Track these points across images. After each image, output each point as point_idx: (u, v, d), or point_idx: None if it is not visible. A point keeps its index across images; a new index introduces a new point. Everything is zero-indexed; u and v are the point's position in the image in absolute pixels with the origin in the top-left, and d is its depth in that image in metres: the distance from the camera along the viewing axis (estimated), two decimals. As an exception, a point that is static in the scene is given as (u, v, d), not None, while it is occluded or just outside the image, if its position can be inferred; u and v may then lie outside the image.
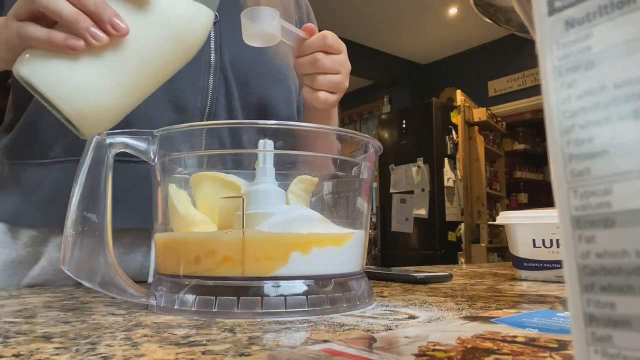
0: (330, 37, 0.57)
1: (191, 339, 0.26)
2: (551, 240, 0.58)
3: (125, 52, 0.40)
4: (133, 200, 0.57)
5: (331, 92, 0.58)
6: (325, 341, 0.26)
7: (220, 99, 0.63)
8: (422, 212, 3.48)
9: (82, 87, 0.39)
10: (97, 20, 0.38)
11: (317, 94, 0.57)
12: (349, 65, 0.60)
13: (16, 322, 0.31)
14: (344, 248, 0.38)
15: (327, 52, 0.57)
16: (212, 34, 0.63)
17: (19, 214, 0.59)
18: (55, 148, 0.59)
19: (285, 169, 0.41)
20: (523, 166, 4.73)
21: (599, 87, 0.11)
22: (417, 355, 0.22)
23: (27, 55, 0.39)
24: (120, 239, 0.60)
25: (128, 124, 0.58)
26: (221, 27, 0.64)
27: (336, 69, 0.57)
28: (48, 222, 0.58)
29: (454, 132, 3.59)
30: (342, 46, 0.59)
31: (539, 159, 4.80)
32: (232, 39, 0.65)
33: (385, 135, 3.82)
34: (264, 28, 0.50)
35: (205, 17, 0.45)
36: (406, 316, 0.33)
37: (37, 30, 0.39)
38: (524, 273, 0.60)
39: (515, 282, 0.58)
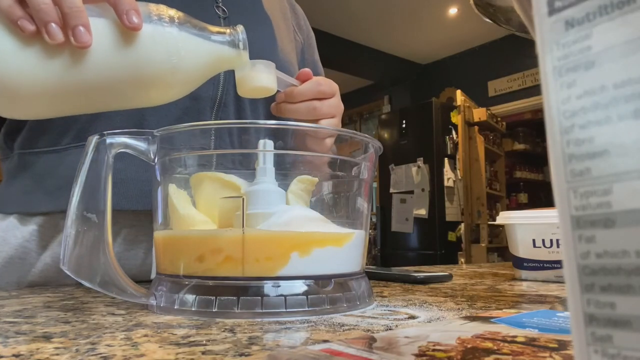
0: (324, 83, 0.58)
1: (191, 339, 0.26)
2: (551, 240, 0.58)
3: (80, 64, 0.40)
4: (142, 181, 0.58)
5: (330, 136, 0.60)
6: (325, 341, 0.26)
7: (230, 89, 0.65)
8: (422, 212, 3.48)
9: (16, 66, 0.39)
10: (65, 22, 0.39)
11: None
12: (342, 107, 0.63)
13: (16, 322, 0.31)
14: (344, 248, 0.38)
15: (321, 99, 0.58)
16: None
17: (30, 200, 0.60)
18: (69, 135, 0.60)
19: (286, 169, 0.41)
20: (523, 166, 4.72)
21: (599, 87, 0.11)
22: (417, 355, 0.22)
23: None
24: (123, 234, 0.60)
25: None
26: (231, 22, 0.65)
27: (332, 113, 0.60)
28: (59, 206, 0.58)
29: (454, 132, 3.59)
30: (335, 89, 0.61)
31: (539, 159, 4.80)
32: None
33: (385, 135, 3.82)
34: (262, 82, 0.50)
35: (186, 74, 0.44)
36: (406, 316, 0.33)
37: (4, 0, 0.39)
38: (524, 273, 0.60)
39: (515, 282, 0.58)
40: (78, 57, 0.40)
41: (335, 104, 0.61)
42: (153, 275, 0.60)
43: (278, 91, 0.56)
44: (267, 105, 0.69)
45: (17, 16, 0.38)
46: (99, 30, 0.40)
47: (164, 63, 0.42)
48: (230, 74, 0.65)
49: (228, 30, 0.46)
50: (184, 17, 0.44)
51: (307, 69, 0.58)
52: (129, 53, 0.41)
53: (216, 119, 0.64)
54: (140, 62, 0.42)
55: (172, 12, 0.43)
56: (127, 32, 0.40)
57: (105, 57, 0.41)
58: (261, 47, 0.68)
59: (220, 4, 0.66)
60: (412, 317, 0.33)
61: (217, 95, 0.64)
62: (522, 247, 0.60)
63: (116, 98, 0.44)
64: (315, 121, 0.59)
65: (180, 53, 0.43)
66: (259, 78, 0.50)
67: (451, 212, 3.51)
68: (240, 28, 0.47)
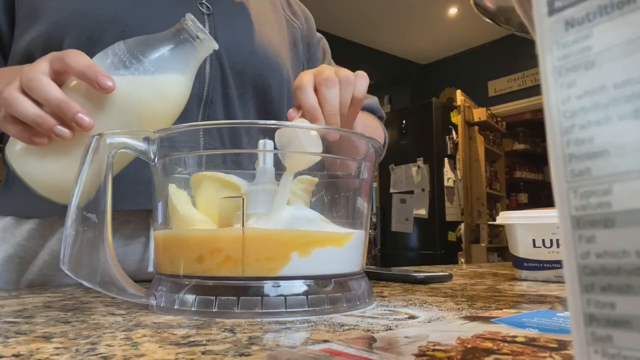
0: (317, 73, 0.51)
1: (191, 339, 0.26)
2: (551, 240, 0.58)
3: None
4: (136, 181, 0.58)
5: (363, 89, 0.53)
6: (325, 341, 0.26)
7: (217, 86, 0.65)
8: (422, 212, 3.48)
9: (51, 171, 0.44)
10: (63, 117, 0.42)
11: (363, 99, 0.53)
12: (347, 72, 0.54)
13: (16, 322, 0.31)
14: (344, 248, 0.38)
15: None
16: (207, 25, 0.64)
17: (25, 204, 0.60)
18: None
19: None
20: (523, 166, 4.73)
21: (599, 87, 0.11)
22: (417, 355, 0.22)
23: (11, 142, 0.46)
24: (120, 230, 0.60)
25: None
26: (215, 19, 0.65)
27: (348, 79, 0.52)
28: (53, 211, 0.58)
29: (454, 132, 3.59)
30: (328, 69, 0.52)
31: (539, 159, 4.80)
32: (227, 30, 0.66)
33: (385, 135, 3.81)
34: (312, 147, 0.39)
35: (174, 94, 0.46)
36: (406, 316, 0.33)
37: (10, 128, 0.44)
38: (524, 273, 0.60)
39: (515, 282, 0.58)
40: (88, 134, 0.43)
41: (339, 74, 0.51)
42: (150, 269, 0.61)
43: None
44: (258, 101, 0.69)
45: (28, 137, 0.43)
46: (88, 102, 0.43)
47: (153, 101, 0.45)
48: (216, 71, 0.64)
49: (179, 28, 0.46)
50: (141, 46, 0.45)
51: (290, 111, 0.50)
52: (122, 108, 0.44)
53: (204, 116, 0.63)
54: (136, 110, 0.44)
55: (132, 46, 0.45)
56: (108, 95, 0.43)
57: (106, 121, 0.43)
58: (245, 47, 0.68)
59: (203, 1, 0.66)
60: (412, 317, 0.33)
61: (203, 92, 0.63)
62: (522, 247, 0.60)
63: None
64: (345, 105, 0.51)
65: (161, 83, 0.45)
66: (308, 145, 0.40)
67: (451, 212, 3.50)
68: (189, 18, 0.45)
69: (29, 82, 0.42)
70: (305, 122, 0.45)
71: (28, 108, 0.42)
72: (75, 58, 0.42)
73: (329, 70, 0.51)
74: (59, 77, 0.43)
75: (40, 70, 0.43)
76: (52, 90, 0.42)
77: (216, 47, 0.48)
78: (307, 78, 0.50)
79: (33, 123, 0.42)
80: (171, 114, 0.48)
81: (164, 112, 0.46)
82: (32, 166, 0.45)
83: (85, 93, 0.43)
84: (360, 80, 0.53)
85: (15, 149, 0.45)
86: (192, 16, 0.46)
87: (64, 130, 0.42)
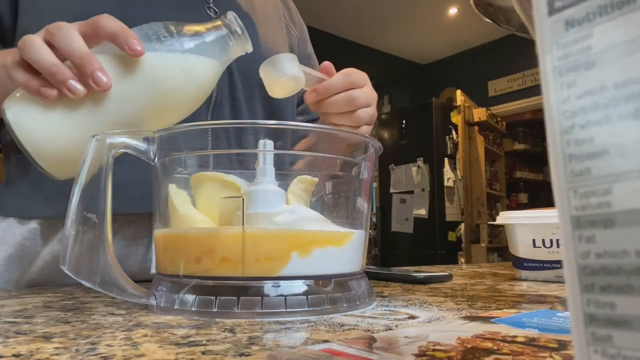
0: (354, 73, 0.57)
1: (191, 339, 0.26)
2: (551, 240, 0.58)
3: (103, 106, 0.41)
4: (141, 184, 0.58)
5: (368, 125, 0.60)
6: (325, 341, 0.26)
7: (224, 89, 0.65)
8: (422, 212, 3.48)
9: (50, 132, 0.41)
10: (81, 72, 0.39)
11: (360, 130, 0.60)
12: (375, 95, 0.61)
13: (16, 322, 0.31)
14: (344, 248, 0.38)
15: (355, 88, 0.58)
16: None
17: (28, 205, 0.60)
18: None
19: (286, 169, 0.41)
20: (523, 166, 4.73)
21: (599, 87, 0.11)
22: (417, 355, 0.22)
23: (12, 95, 0.42)
24: (123, 231, 0.60)
25: None
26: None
27: (368, 102, 0.59)
28: (56, 212, 0.58)
29: (454, 132, 3.59)
30: (365, 77, 0.60)
31: (539, 159, 4.80)
32: None
33: (385, 135, 3.82)
34: (287, 72, 0.50)
35: (200, 80, 0.46)
36: (406, 316, 0.33)
37: (19, 75, 0.40)
38: (524, 273, 0.60)
39: (515, 282, 0.58)
40: (102, 98, 0.41)
41: (370, 92, 0.60)
42: (153, 270, 0.61)
43: (304, 90, 0.56)
44: (266, 105, 0.69)
45: (36, 86, 0.39)
46: (111, 68, 0.41)
47: (179, 80, 0.44)
48: (224, 74, 0.65)
49: (220, 22, 0.46)
50: (179, 26, 0.45)
51: (328, 62, 0.57)
52: (145, 80, 0.42)
53: (212, 118, 0.64)
54: (159, 86, 0.43)
55: (170, 25, 0.44)
56: (136, 61, 0.41)
57: (125, 91, 0.42)
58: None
59: (211, 5, 0.66)
60: (412, 317, 0.33)
61: (212, 96, 0.63)
62: (522, 247, 0.60)
63: (151, 120, 0.45)
64: (353, 112, 0.58)
65: (191, 64, 0.44)
66: (284, 69, 0.50)
67: (451, 212, 3.50)
68: (231, 15, 0.46)
69: (55, 29, 0.40)
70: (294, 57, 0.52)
71: (46, 54, 0.39)
72: (108, 20, 0.41)
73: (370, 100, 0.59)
74: (87, 42, 0.41)
75: (68, 25, 0.41)
76: (78, 42, 0.39)
77: (250, 49, 0.48)
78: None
79: (47, 72, 0.39)
80: (193, 98, 0.46)
81: (186, 95, 0.45)
82: (29, 121, 0.41)
83: (111, 59, 0.41)
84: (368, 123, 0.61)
85: (15, 105, 0.41)
86: (235, 14, 0.46)
87: (78, 86, 0.39)
